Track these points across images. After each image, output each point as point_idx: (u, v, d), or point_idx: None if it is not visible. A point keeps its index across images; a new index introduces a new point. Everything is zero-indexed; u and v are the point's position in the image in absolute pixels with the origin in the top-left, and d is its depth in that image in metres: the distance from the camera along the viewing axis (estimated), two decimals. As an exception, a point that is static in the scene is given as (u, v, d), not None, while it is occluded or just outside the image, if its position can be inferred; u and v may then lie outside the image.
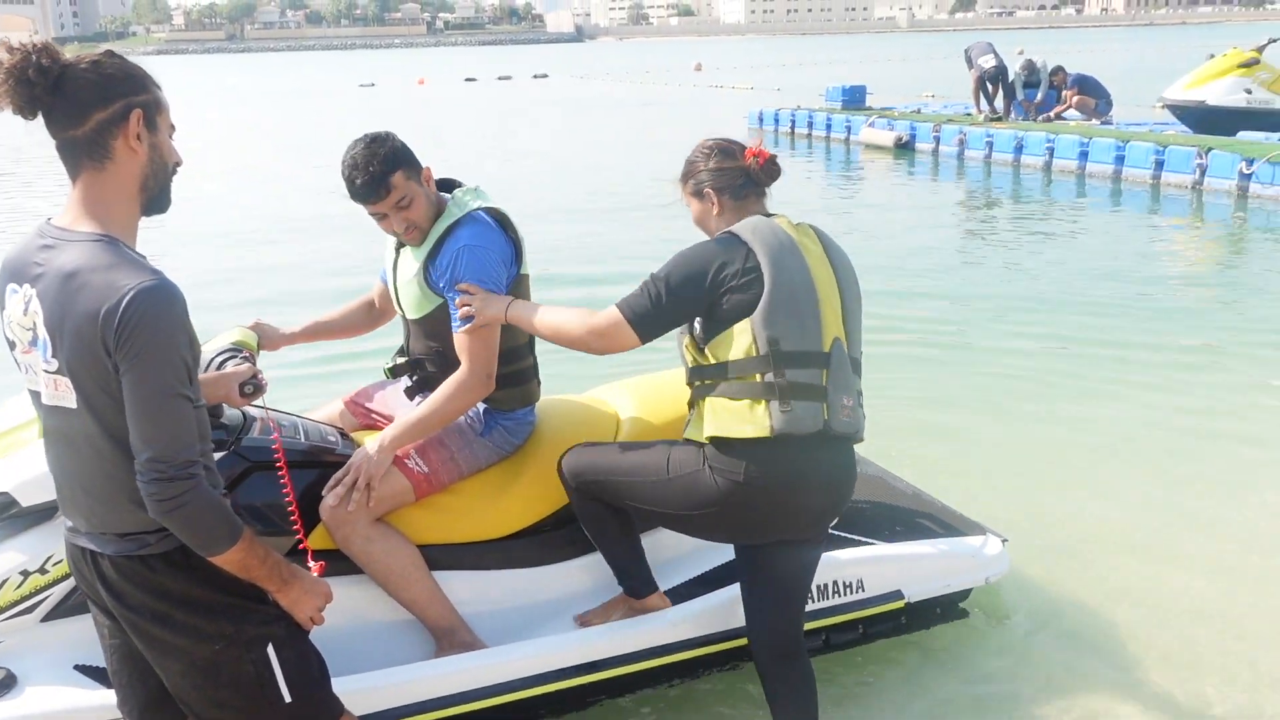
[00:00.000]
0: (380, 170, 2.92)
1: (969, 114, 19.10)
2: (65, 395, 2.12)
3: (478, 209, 3.08)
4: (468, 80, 53.04)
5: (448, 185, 3.23)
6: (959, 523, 3.87)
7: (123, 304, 2.00)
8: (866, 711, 3.42)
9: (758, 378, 2.67)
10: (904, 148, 18.71)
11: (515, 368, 3.20)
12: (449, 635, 3.07)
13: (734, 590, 3.11)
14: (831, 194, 15.26)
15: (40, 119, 2.11)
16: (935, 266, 10.00)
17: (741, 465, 2.69)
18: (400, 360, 3.31)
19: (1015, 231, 11.91)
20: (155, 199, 2.21)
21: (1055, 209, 13.48)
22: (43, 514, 2.73)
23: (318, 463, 3.03)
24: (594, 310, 2.86)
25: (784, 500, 2.72)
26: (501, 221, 3.11)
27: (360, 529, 2.95)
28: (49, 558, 2.72)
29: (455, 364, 3.05)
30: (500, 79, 54.07)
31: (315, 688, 2.44)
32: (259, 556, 2.26)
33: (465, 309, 2.96)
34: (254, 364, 2.84)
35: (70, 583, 2.72)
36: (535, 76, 55.23)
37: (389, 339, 3.58)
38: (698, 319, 2.75)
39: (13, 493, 2.70)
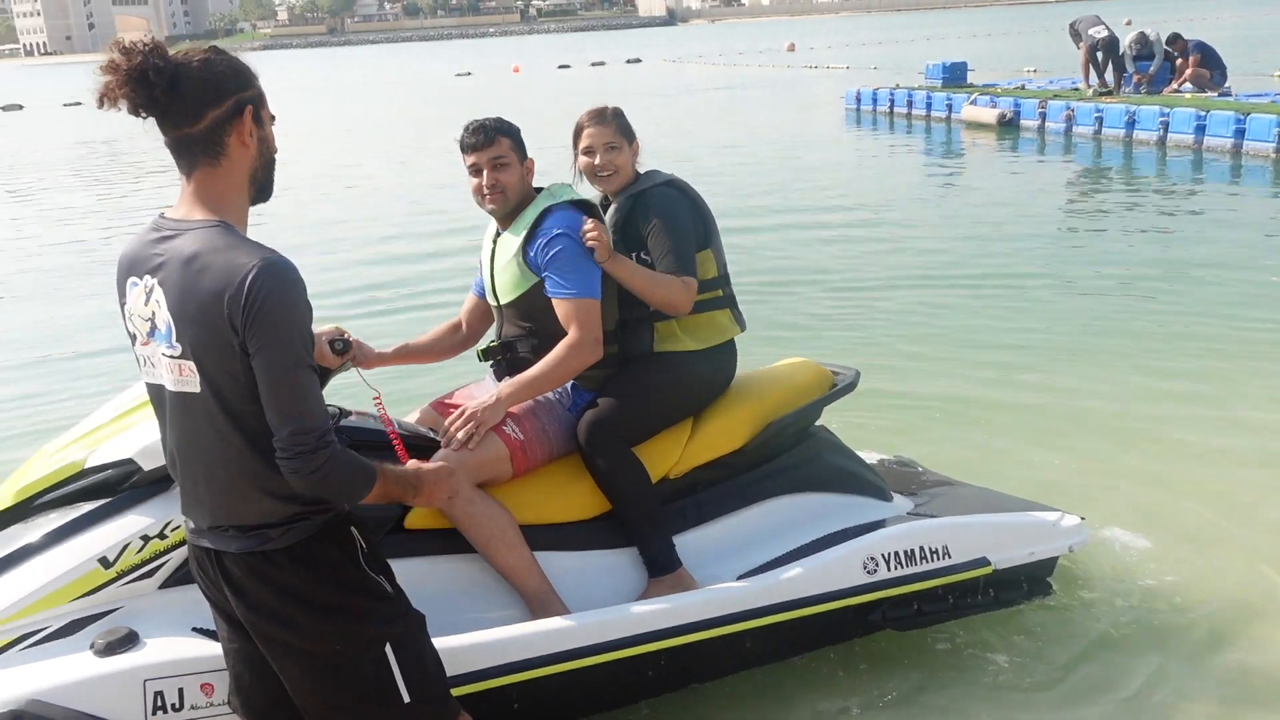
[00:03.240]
0: (494, 125, 3.29)
1: (1076, 88, 18.50)
2: (189, 380, 2.16)
3: (570, 201, 3.34)
4: (561, 67, 53.23)
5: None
6: (1032, 505, 3.96)
7: (248, 281, 2.05)
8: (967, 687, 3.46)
9: (720, 293, 3.50)
10: (1008, 125, 18.17)
11: (607, 350, 3.34)
12: (544, 605, 3.15)
13: (840, 551, 3.41)
14: (933, 175, 14.94)
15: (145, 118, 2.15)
16: (1041, 250, 9.66)
17: (721, 360, 3.53)
18: (493, 344, 3.48)
19: (1129, 213, 11.46)
20: (262, 189, 2.27)
21: (1170, 187, 12.96)
22: (163, 481, 2.82)
23: (415, 446, 3.10)
24: (666, 277, 3.32)
25: (732, 376, 3.59)
26: (590, 212, 3.36)
27: (463, 491, 3.05)
28: (168, 523, 2.81)
29: (547, 346, 3.25)
30: (593, 65, 54.17)
31: (433, 687, 2.46)
32: (392, 481, 2.37)
33: (591, 237, 3.22)
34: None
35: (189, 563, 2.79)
36: (628, 62, 55.18)
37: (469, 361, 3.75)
38: (647, 253, 3.38)
39: (136, 458, 2.81)
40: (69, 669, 2.65)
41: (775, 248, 10.32)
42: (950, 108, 19.90)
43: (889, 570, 3.46)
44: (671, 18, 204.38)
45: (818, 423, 3.83)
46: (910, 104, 21.29)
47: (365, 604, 2.36)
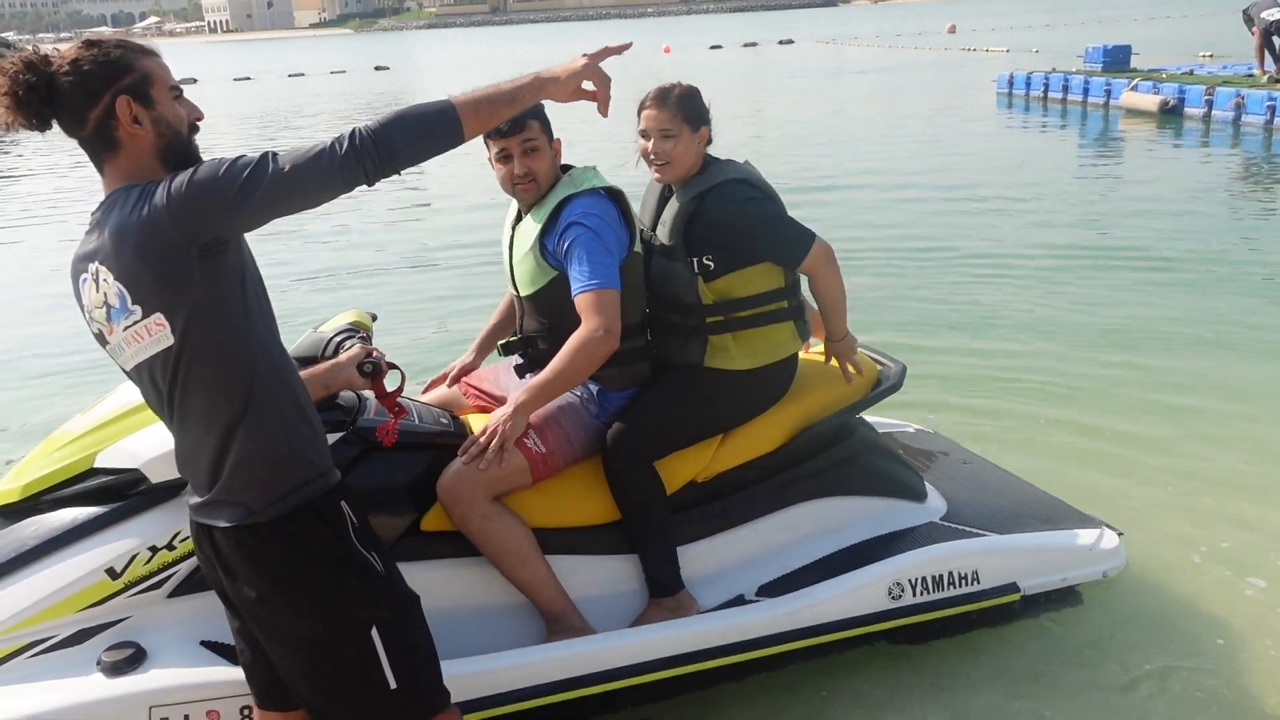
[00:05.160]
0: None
1: (1251, 74, 17.23)
2: (160, 335, 2.12)
3: (596, 187, 3.12)
4: (713, 48, 52.89)
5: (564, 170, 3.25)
6: (1071, 515, 3.77)
7: (170, 182, 2.05)
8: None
9: (785, 304, 3.23)
10: (1170, 113, 17.07)
11: (628, 345, 3.14)
12: (561, 619, 3.05)
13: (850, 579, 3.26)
14: (1084, 165, 14.11)
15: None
16: (1200, 251, 8.95)
17: (774, 379, 3.30)
18: (513, 339, 3.32)
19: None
20: (179, 164, 2.18)
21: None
22: (170, 491, 2.80)
23: (431, 445, 3.02)
24: (805, 273, 3.25)
25: (783, 394, 3.38)
26: (617, 200, 3.14)
27: (479, 506, 2.94)
28: (176, 534, 2.79)
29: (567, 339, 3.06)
30: (746, 45, 53.61)
31: (422, 674, 2.39)
32: (485, 98, 2.23)
33: None
34: (369, 343, 2.82)
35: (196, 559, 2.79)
36: (780, 43, 54.38)
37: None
38: (711, 258, 3.16)
39: (142, 469, 2.78)
40: (75, 690, 2.65)
41: (903, 222, 10.22)
42: (1109, 93, 18.82)
43: (914, 596, 3.29)
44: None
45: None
46: (1066, 89, 20.21)
47: (350, 582, 2.30)
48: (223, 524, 2.24)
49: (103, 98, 2.12)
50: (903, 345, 6.26)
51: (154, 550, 2.79)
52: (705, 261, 3.17)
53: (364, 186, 2.15)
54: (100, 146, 2.16)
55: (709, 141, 3.27)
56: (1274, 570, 3.97)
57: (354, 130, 2.12)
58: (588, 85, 2.39)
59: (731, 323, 3.21)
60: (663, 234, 3.24)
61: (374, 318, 3.19)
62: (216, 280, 2.11)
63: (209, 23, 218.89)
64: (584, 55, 2.36)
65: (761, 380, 3.29)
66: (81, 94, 2.11)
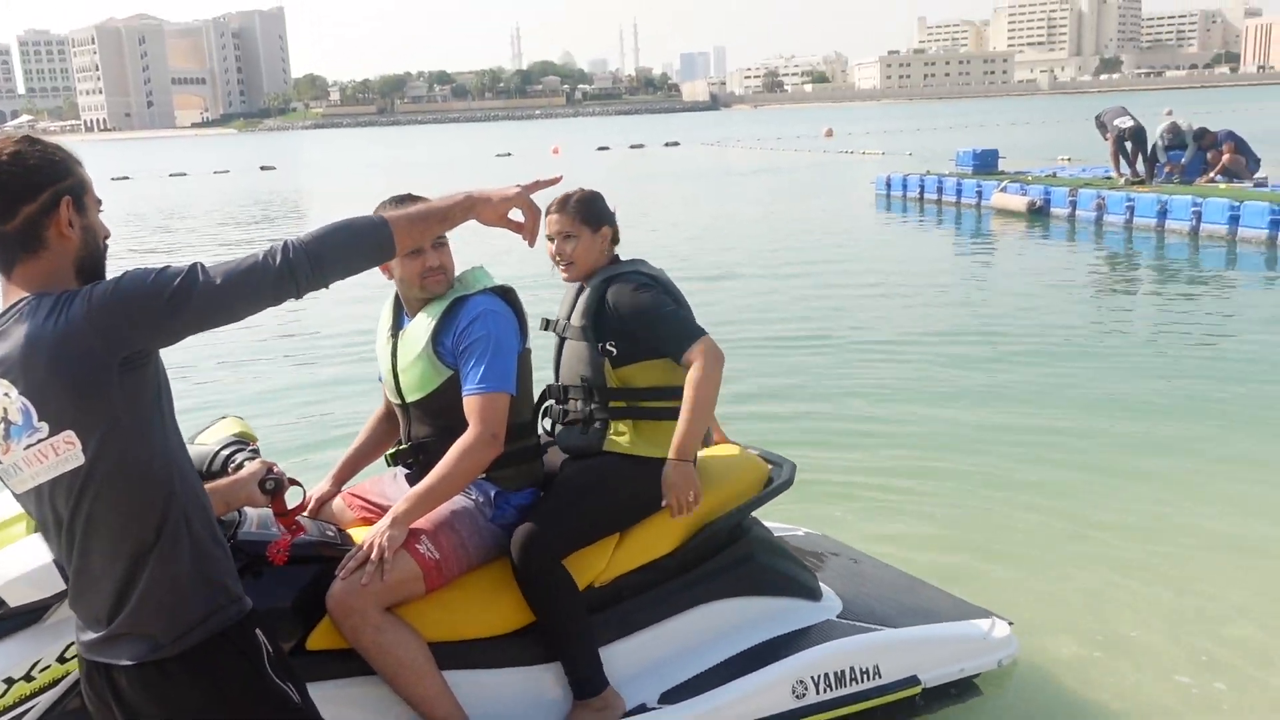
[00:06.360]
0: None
1: (1108, 177, 18.29)
2: (69, 454, 1.98)
3: (487, 289, 3.10)
4: (600, 149, 54.04)
5: None
6: (962, 607, 3.85)
7: (92, 290, 1.97)
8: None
9: (674, 403, 3.18)
10: (1038, 213, 17.96)
11: (520, 444, 3.11)
12: None
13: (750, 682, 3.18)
14: (961, 261, 14.73)
15: None
16: (1057, 335, 9.34)
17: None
18: (402, 447, 3.18)
19: (1156, 301, 11.22)
20: (90, 277, 2.09)
21: (1203, 279, 12.66)
22: (30, 616, 2.55)
23: (318, 557, 2.84)
24: (692, 376, 3.13)
25: None
26: (509, 298, 3.13)
27: (371, 617, 2.76)
28: (36, 664, 2.53)
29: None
30: (632, 147, 54.93)
31: None
32: (419, 215, 2.27)
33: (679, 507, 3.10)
34: (259, 455, 2.67)
35: (58, 689, 2.54)
36: (666, 144, 55.91)
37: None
38: (614, 344, 3.21)
39: (1, 593, 2.54)
40: None
41: (778, 309, 10.33)
42: (980, 194, 19.73)
43: (818, 693, 3.24)
44: (715, 103, 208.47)
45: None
46: (940, 190, 21.14)
47: (267, 718, 2.15)
48: (125, 661, 2.07)
49: (41, 194, 2.02)
50: (789, 440, 6.31)
51: (9, 682, 2.51)
52: (609, 347, 3.23)
53: (293, 299, 2.10)
54: (20, 245, 2.02)
55: (615, 240, 3.39)
56: (1163, 654, 4.04)
57: (286, 243, 2.08)
58: (515, 215, 2.44)
59: (633, 410, 3.25)
60: (576, 320, 3.32)
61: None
62: (135, 395, 2.00)
63: (85, 121, 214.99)
64: (517, 185, 2.42)
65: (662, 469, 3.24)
66: (21, 186, 2.00)
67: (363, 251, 2.18)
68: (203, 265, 2.02)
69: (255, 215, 26.58)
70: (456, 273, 3.12)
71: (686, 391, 3.13)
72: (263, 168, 50.73)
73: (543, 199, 2.59)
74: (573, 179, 3.41)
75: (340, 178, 39.11)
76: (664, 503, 3.12)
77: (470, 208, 2.37)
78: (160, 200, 33.11)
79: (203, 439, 2.81)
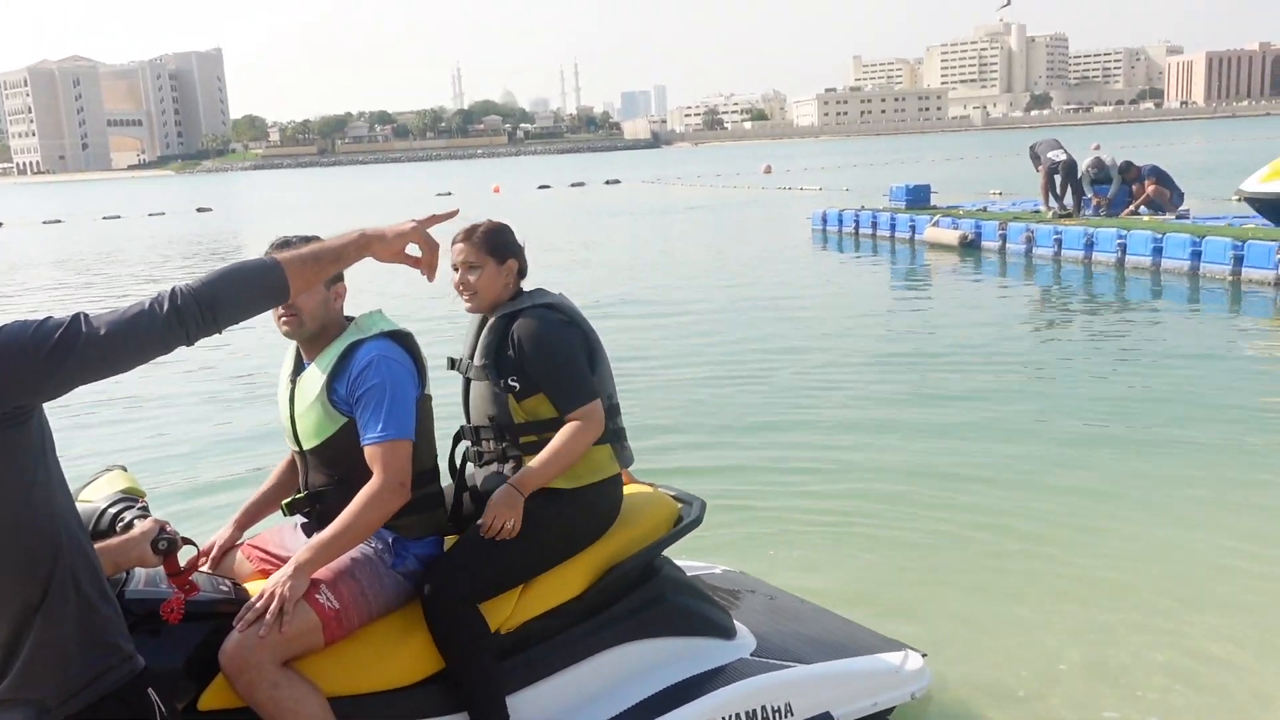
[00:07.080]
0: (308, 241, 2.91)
1: (1037, 211, 18.70)
2: None
3: (383, 333, 3.01)
4: (541, 187, 54.14)
5: None
6: (875, 640, 3.83)
7: None
8: None
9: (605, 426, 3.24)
10: (970, 246, 18.29)
11: (422, 492, 3.04)
12: None
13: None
14: (895, 294, 14.91)
15: None
16: (986, 371, 9.47)
17: (596, 500, 3.25)
18: (298, 496, 3.09)
19: (1083, 334, 11.46)
20: None
21: (1128, 309, 12.95)
22: None
23: (212, 614, 2.73)
24: (567, 428, 3.15)
25: (612, 518, 3.33)
26: (406, 343, 3.05)
27: (267, 673, 2.66)
28: None
29: (358, 492, 2.89)
30: (573, 185, 55.10)
31: None
32: (311, 255, 2.23)
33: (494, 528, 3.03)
34: (149, 513, 2.58)
35: None
36: (607, 182, 56.14)
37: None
38: (515, 379, 3.19)
39: None
40: None
41: (714, 345, 10.23)
42: (914, 229, 20.05)
43: None
44: (656, 141, 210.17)
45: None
46: (875, 225, 21.45)
47: None
48: None
49: None
50: (716, 475, 6.28)
51: None
52: (511, 382, 3.19)
53: (183, 347, 2.04)
54: None
55: (521, 274, 3.33)
56: (1086, 683, 4.05)
57: (174, 289, 2.02)
58: (413, 250, 2.40)
59: (544, 443, 3.17)
60: (479, 358, 3.26)
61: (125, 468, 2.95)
62: (17, 452, 1.92)
63: (18, 164, 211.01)
64: (413, 220, 2.39)
65: (584, 504, 3.20)
66: None
67: (254, 295, 2.13)
68: (86, 316, 1.95)
69: (190, 256, 26.18)
70: (356, 313, 3.05)
71: (558, 436, 3.12)
72: (199, 209, 50.05)
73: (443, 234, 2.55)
74: (511, 216, 3.38)
75: (279, 218, 38.72)
76: (480, 521, 3.06)
77: (365, 246, 2.34)
78: (92, 243, 32.49)
79: (87, 494, 2.72)
